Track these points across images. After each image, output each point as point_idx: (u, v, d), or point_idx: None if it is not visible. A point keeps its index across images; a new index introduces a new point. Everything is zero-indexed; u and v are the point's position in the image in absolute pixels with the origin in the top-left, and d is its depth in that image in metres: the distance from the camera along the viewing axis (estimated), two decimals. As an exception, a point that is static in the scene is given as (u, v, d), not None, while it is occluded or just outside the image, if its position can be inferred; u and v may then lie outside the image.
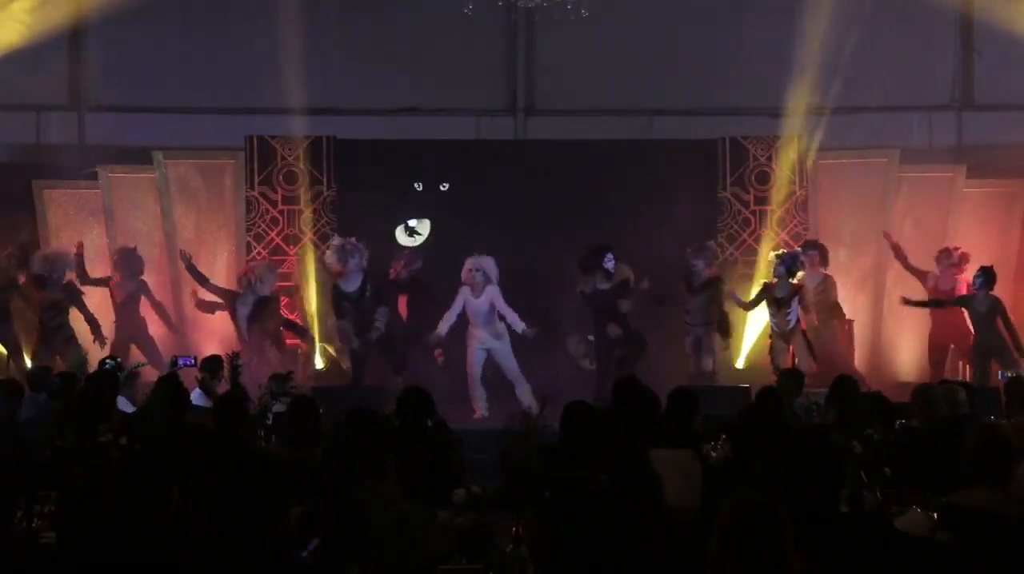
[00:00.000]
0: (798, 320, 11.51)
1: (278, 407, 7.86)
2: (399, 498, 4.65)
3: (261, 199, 12.78)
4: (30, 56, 12.80)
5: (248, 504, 3.90)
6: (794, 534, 3.39)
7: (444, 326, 11.50)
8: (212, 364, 9.36)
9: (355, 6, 13.57)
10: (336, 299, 11.63)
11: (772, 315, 11.58)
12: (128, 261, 12.16)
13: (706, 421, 6.99)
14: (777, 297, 11.51)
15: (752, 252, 12.70)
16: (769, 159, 12.83)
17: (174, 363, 9.65)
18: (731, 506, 3.42)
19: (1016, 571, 4.07)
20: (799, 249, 11.96)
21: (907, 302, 11.94)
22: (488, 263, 11.50)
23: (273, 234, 12.75)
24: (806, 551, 3.43)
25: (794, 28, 12.60)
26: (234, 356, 9.01)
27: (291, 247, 12.70)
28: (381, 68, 13.47)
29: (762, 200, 12.83)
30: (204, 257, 12.85)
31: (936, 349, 12.08)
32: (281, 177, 12.81)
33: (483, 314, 11.47)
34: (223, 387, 9.10)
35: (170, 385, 7.52)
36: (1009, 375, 9.22)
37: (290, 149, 12.83)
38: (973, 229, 12.89)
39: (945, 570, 4.00)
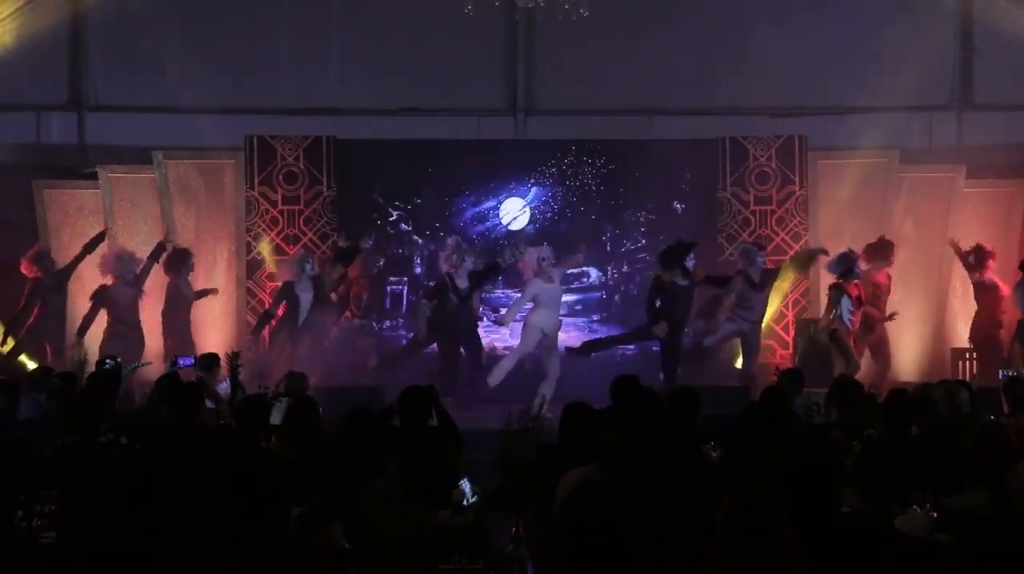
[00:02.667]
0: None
1: (278, 408, 7.85)
2: (399, 498, 4.64)
3: (261, 199, 12.78)
4: (30, 56, 12.80)
5: (248, 504, 3.89)
6: (794, 533, 3.39)
7: (511, 317, 11.73)
8: (207, 361, 9.37)
9: (355, 6, 13.57)
10: (443, 288, 11.71)
11: (850, 313, 11.47)
12: (182, 261, 12.22)
13: (706, 421, 6.97)
14: (853, 295, 11.47)
15: (752, 252, 12.69)
16: (769, 159, 12.83)
17: (174, 363, 9.65)
18: (731, 503, 3.42)
19: (1014, 572, 4.07)
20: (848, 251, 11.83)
21: None
22: (548, 251, 11.68)
23: (273, 234, 12.75)
24: (806, 551, 3.43)
25: (794, 28, 12.61)
26: (234, 356, 8.99)
27: (291, 247, 12.69)
28: (381, 68, 13.47)
29: (762, 200, 12.83)
30: (204, 257, 12.86)
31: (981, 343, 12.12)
32: (281, 177, 12.82)
33: (557, 299, 11.66)
34: (219, 384, 9.12)
35: (183, 386, 7.53)
36: (1009, 374, 9.21)
37: (290, 149, 12.84)
38: (973, 229, 12.90)
39: (944, 571, 4.00)
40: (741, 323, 11.85)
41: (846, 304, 11.44)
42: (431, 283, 12.63)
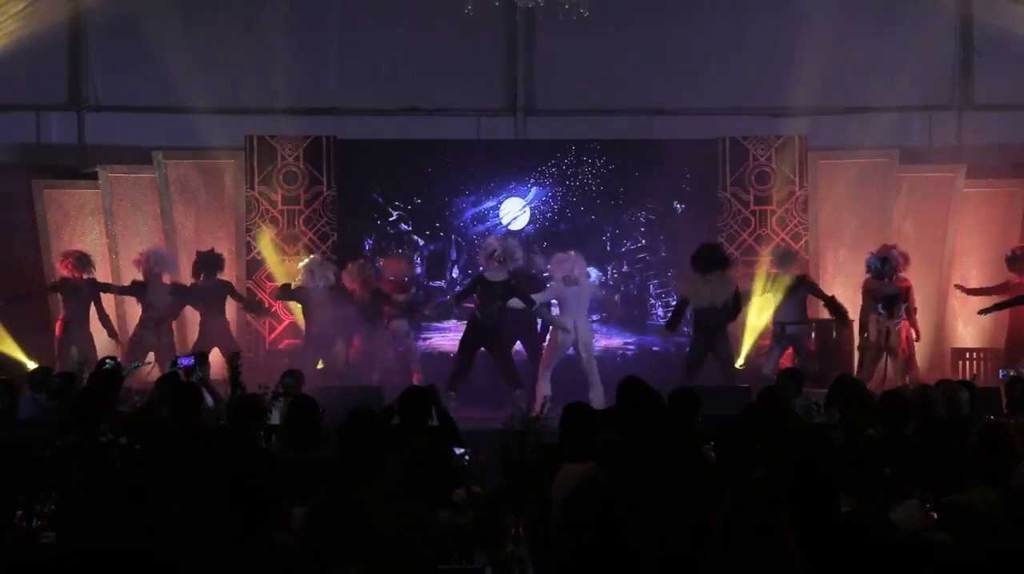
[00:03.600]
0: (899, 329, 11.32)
1: (277, 408, 7.85)
2: (399, 498, 4.65)
3: (261, 199, 12.78)
4: (30, 56, 12.80)
5: (247, 504, 3.89)
6: (794, 532, 3.39)
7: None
8: (201, 359, 9.39)
9: (355, 6, 13.57)
10: (476, 286, 11.45)
11: (878, 318, 11.36)
12: (211, 262, 12.19)
13: (706, 421, 6.97)
14: (886, 294, 11.33)
15: (752, 252, 12.69)
16: (769, 159, 12.83)
17: (174, 363, 9.63)
18: (730, 503, 3.42)
19: (1017, 572, 4.06)
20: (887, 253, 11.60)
21: (985, 311, 11.85)
22: (582, 262, 11.62)
23: (273, 234, 12.74)
24: (806, 550, 3.43)
25: (794, 28, 12.60)
26: (233, 356, 8.98)
27: (291, 247, 12.69)
28: (381, 68, 13.47)
29: (762, 200, 12.83)
30: (204, 257, 12.86)
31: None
32: (281, 177, 12.82)
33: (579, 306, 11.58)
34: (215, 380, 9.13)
35: (181, 386, 7.53)
36: (1010, 374, 9.21)
37: (290, 149, 12.84)
38: (973, 229, 12.91)
39: (945, 570, 3.99)
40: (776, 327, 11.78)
41: (878, 307, 11.39)
42: (433, 283, 12.69)
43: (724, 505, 3.42)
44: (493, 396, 11.23)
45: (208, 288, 12.10)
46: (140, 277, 12.06)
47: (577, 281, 11.44)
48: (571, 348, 11.41)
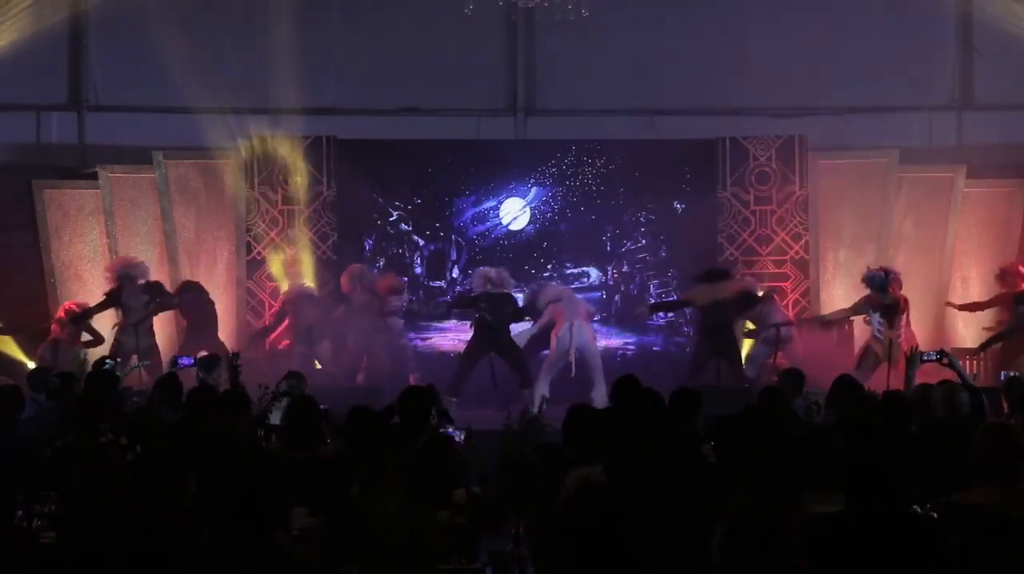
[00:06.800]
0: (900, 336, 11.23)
1: (278, 408, 7.84)
2: (399, 498, 4.65)
3: (261, 199, 12.78)
4: (30, 56, 12.80)
5: (248, 504, 3.89)
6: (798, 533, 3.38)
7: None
8: (208, 362, 9.35)
9: (355, 6, 13.57)
10: (480, 302, 11.52)
11: (879, 324, 11.34)
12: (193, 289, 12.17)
13: (707, 421, 6.97)
14: (885, 303, 11.28)
15: (752, 252, 12.70)
16: (769, 159, 12.82)
17: (174, 363, 9.63)
18: (733, 507, 3.41)
19: (1021, 570, 4.06)
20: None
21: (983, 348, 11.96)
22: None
23: (273, 234, 12.74)
24: (809, 549, 3.43)
25: (794, 28, 12.60)
26: (233, 356, 8.97)
27: (291, 247, 12.69)
28: (381, 68, 13.47)
29: (762, 200, 12.83)
30: (204, 257, 12.87)
31: None
32: (281, 177, 12.81)
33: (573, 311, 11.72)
34: (221, 386, 9.08)
35: (195, 389, 7.53)
36: (1010, 375, 9.20)
37: (290, 149, 12.83)
38: (973, 229, 12.91)
39: (951, 569, 3.99)
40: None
41: (875, 318, 11.38)
42: (433, 283, 12.71)
43: (729, 505, 3.40)
44: (500, 397, 11.22)
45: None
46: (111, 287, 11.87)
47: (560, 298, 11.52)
48: (572, 354, 11.37)
